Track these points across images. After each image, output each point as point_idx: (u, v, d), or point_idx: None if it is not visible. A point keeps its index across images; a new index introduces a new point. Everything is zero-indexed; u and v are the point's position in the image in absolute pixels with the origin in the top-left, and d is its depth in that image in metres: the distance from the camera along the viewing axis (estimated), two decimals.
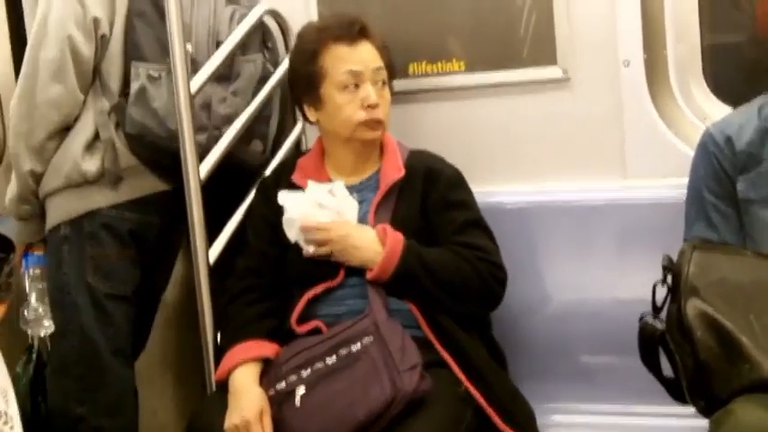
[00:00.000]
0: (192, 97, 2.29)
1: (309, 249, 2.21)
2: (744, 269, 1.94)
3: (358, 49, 2.28)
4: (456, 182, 2.33)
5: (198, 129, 2.34)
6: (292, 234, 2.24)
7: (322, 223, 2.21)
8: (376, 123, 2.28)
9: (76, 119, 2.44)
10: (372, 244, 2.18)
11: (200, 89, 2.35)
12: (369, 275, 2.17)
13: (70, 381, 2.47)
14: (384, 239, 2.17)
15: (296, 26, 2.60)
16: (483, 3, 2.62)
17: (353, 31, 2.28)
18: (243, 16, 2.53)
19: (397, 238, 2.18)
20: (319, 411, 2.00)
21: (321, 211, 2.22)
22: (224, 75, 2.47)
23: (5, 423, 1.77)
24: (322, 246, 2.20)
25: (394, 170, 2.30)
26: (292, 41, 2.65)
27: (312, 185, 2.27)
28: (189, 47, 2.35)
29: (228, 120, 2.46)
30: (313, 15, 2.70)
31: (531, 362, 2.45)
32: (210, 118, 2.44)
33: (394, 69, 2.37)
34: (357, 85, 2.26)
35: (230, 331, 2.27)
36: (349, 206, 2.25)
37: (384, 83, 2.31)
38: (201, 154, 2.35)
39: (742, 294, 1.89)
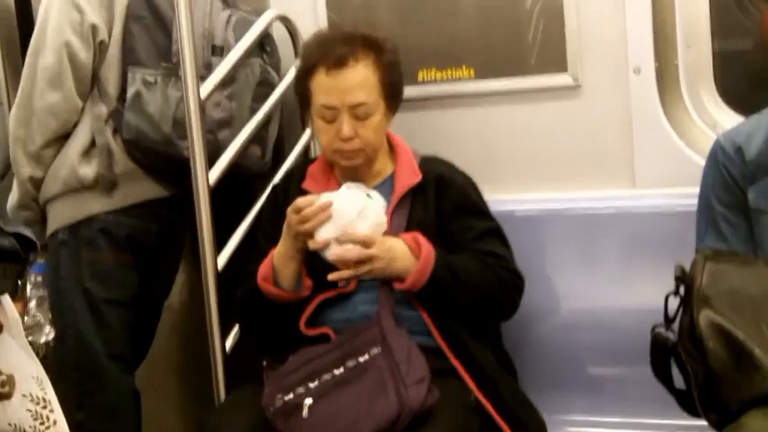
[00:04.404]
0: (201, 102, 2.29)
1: (332, 251, 2.09)
2: (756, 279, 1.92)
3: (340, 78, 2.19)
4: (470, 189, 2.34)
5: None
6: (325, 230, 2.09)
7: (364, 236, 2.09)
8: (351, 153, 2.24)
9: (75, 125, 2.45)
10: (407, 257, 2.15)
11: (210, 95, 2.35)
12: (399, 286, 2.15)
13: (69, 385, 2.46)
14: (417, 251, 2.15)
15: (305, 31, 2.59)
16: (492, 10, 2.62)
17: (340, 55, 2.19)
18: (239, 20, 2.53)
19: (429, 250, 2.16)
20: (326, 425, 1.99)
21: (362, 221, 2.10)
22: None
23: (44, 407, 1.81)
24: (361, 264, 2.10)
25: (409, 175, 2.29)
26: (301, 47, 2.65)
27: (351, 186, 2.18)
28: None
29: (223, 124, 2.46)
30: (322, 21, 2.70)
31: (542, 371, 2.45)
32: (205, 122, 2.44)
33: (396, 86, 2.30)
34: (334, 117, 2.21)
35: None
36: (383, 214, 2.16)
37: (368, 115, 2.22)
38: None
39: (754, 305, 1.88)
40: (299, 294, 2.20)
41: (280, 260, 2.19)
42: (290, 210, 2.13)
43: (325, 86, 2.21)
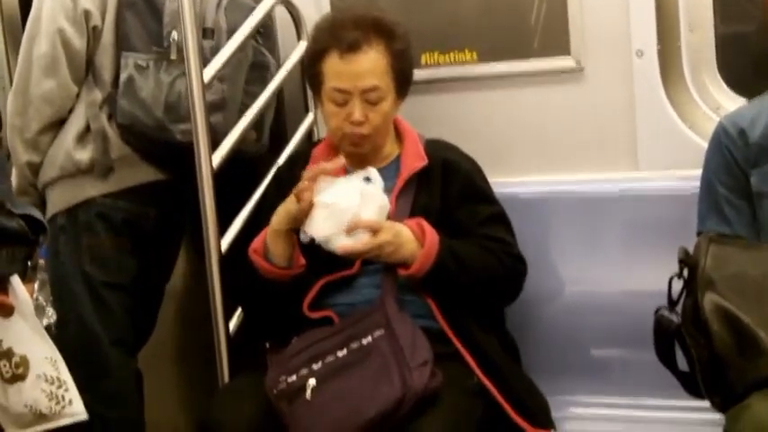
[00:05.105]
0: (204, 87, 2.27)
1: (339, 244, 2.08)
2: (760, 262, 1.92)
3: (353, 63, 2.20)
4: (476, 174, 2.34)
5: (183, 119, 2.31)
6: (328, 226, 2.08)
7: (372, 223, 2.08)
8: (359, 138, 2.24)
9: (71, 110, 2.47)
10: (412, 243, 2.14)
11: (213, 79, 2.34)
12: (403, 272, 2.14)
13: (72, 369, 2.47)
14: (422, 239, 2.15)
15: (308, 15, 2.59)
16: None
17: (354, 39, 2.19)
18: (231, 2, 2.52)
19: (433, 236, 2.15)
20: (329, 407, 1.99)
21: (365, 207, 2.09)
22: (209, 61, 2.44)
23: (59, 387, 1.85)
24: (366, 250, 2.10)
25: (416, 158, 2.28)
26: (304, 31, 2.64)
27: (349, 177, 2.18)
28: (174, 34, 2.36)
29: (215, 107, 2.44)
30: (325, 4, 2.69)
31: (545, 354, 2.45)
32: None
33: (406, 73, 2.30)
34: (345, 101, 2.22)
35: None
36: (385, 197, 2.14)
37: (380, 99, 2.23)
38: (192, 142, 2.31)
39: (758, 288, 1.88)
40: (291, 272, 2.18)
41: (270, 237, 2.18)
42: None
43: (337, 70, 2.21)
